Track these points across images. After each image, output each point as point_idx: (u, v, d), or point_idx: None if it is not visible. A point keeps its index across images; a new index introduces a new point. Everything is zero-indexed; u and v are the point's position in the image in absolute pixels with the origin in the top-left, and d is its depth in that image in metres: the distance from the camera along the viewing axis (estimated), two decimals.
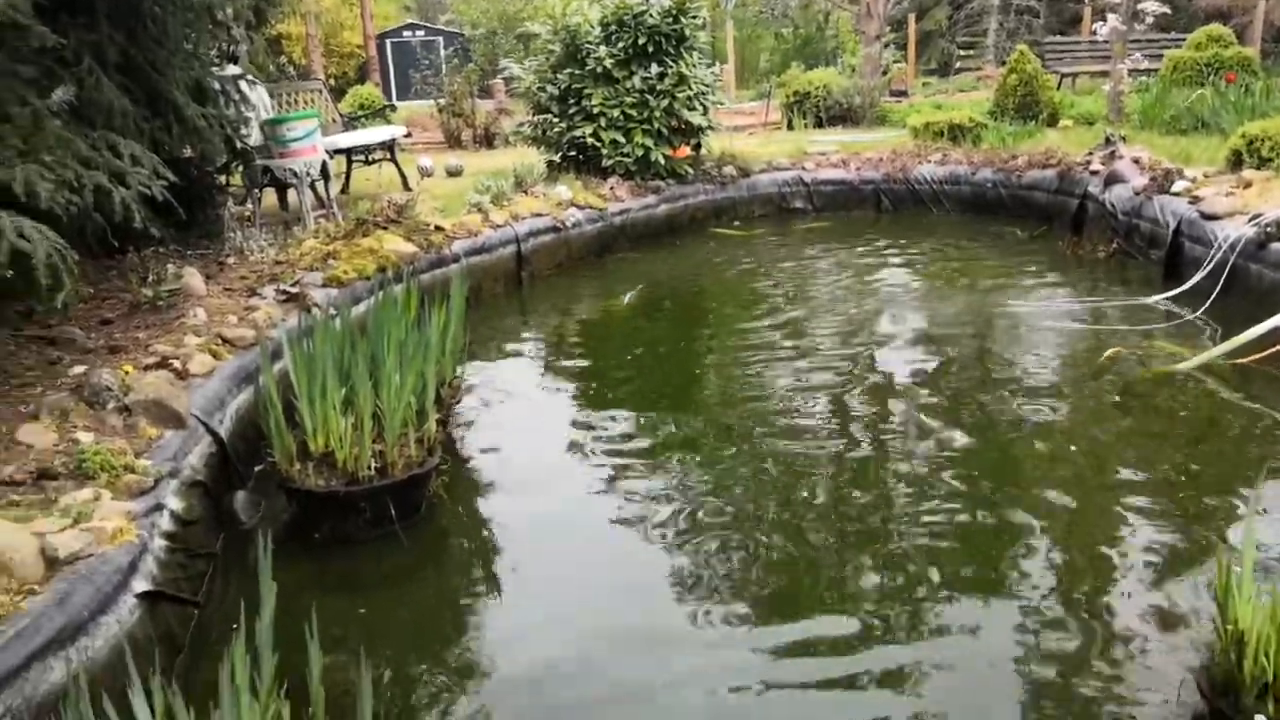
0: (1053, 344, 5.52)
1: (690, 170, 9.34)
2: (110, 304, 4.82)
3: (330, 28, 20.03)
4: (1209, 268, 5.92)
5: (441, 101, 13.62)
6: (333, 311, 4.21)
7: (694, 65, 9.02)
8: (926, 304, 6.46)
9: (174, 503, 3.15)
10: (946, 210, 9.60)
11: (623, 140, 8.79)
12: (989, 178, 9.35)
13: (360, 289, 5.46)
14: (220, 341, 4.30)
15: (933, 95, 16.79)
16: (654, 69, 8.74)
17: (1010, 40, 20.33)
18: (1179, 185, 6.87)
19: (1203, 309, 5.74)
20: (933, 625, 2.94)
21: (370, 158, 9.11)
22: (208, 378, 3.95)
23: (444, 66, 17.45)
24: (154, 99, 5.16)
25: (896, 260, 7.89)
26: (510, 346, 6.09)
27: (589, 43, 8.83)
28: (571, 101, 8.94)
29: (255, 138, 7.01)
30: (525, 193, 8.08)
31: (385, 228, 6.30)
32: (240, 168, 7.18)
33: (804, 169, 10.13)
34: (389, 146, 8.95)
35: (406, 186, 8.84)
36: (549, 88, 9.08)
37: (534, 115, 9.35)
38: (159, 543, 2.93)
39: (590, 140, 8.77)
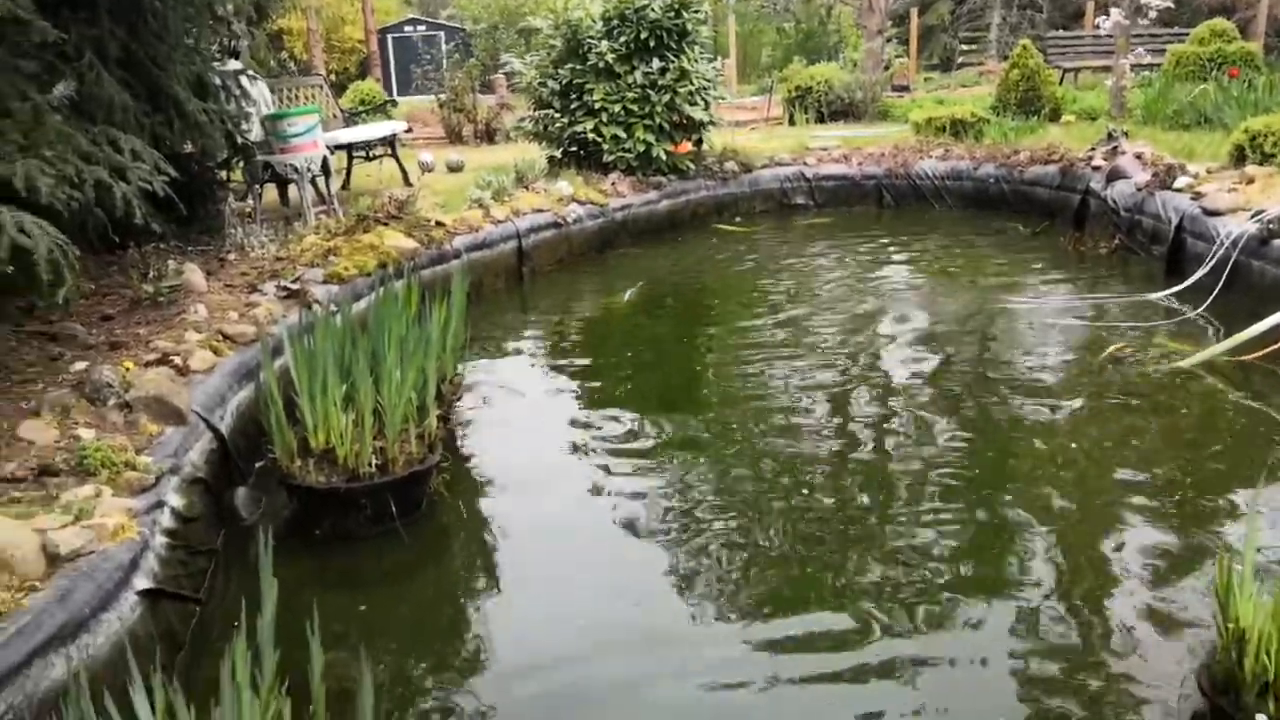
0: (1054, 341, 5.51)
1: (692, 166, 9.33)
2: (111, 300, 4.82)
3: (331, 23, 20.02)
4: (1211, 264, 5.91)
5: (442, 97, 13.61)
6: (334, 308, 4.21)
7: (696, 60, 9.01)
8: (928, 301, 6.45)
9: (175, 499, 3.15)
10: (948, 206, 9.59)
11: (624, 135, 8.77)
12: (991, 173, 9.33)
13: (361, 285, 5.46)
14: (221, 338, 4.30)
15: (935, 90, 16.78)
16: (656, 64, 8.72)
17: (1013, 35, 20.31)
18: (1181, 181, 6.85)
19: (1205, 306, 5.73)
20: (934, 624, 2.93)
21: (371, 153, 9.09)
22: (208, 374, 3.95)
23: (445, 61, 17.43)
24: (155, 94, 5.15)
25: (898, 256, 7.88)
26: (511, 343, 6.09)
27: (590, 37, 8.81)
28: (573, 96, 8.92)
29: (256, 133, 7.00)
30: (526, 188, 8.07)
31: (386, 223, 6.29)
32: (241, 163, 7.18)
33: (806, 164, 10.11)
34: (390, 142, 8.93)
35: (407, 182, 8.83)
36: (550, 83, 9.07)
37: (535, 110, 9.34)
38: (160, 539, 2.93)
39: (591, 135, 8.76)
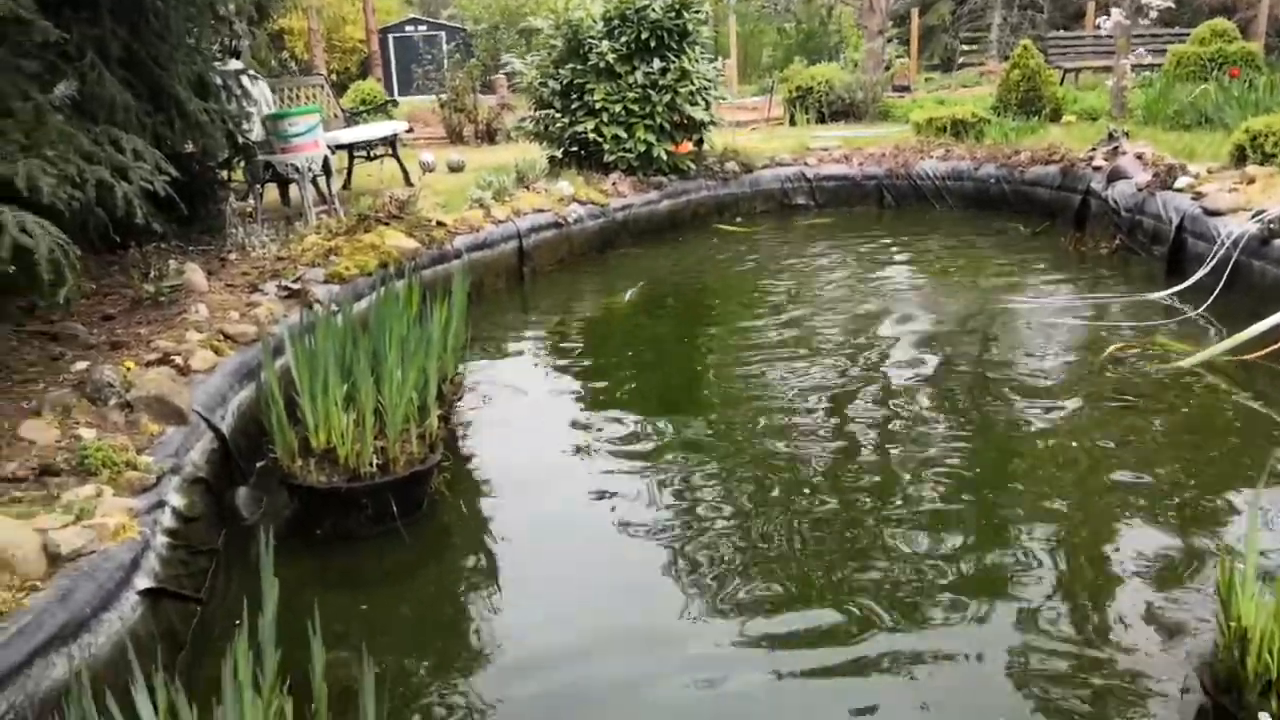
0: (1055, 341, 5.51)
1: (692, 166, 9.33)
2: (112, 300, 4.82)
3: (332, 22, 20.03)
4: (1212, 264, 5.91)
5: (443, 97, 13.61)
6: (334, 307, 4.21)
7: (696, 60, 9.01)
8: (929, 301, 6.45)
9: (176, 499, 3.15)
10: (949, 206, 9.59)
11: (625, 135, 8.78)
12: (992, 173, 9.34)
13: (362, 285, 5.46)
14: (222, 338, 4.30)
15: (935, 91, 16.77)
16: (656, 64, 8.72)
17: (1013, 35, 20.31)
18: (1182, 181, 6.85)
19: (1205, 305, 5.73)
20: (935, 622, 2.93)
21: (372, 153, 9.10)
22: (209, 374, 3.95)
23: (446, 61, 17.43)
24: (156, 94, 5.15)
25: (899, 257, 7.88)
26: (512, 343, 6.09)
27: (591, 37, 8.82)
28: (574, 96, 8.92)
29: (257, 133, 7.00)
30: (527, 188, 8.07)
31: (387, 223, 6.29)
32: (242, 163, 7.18)
33: (806, 165, 10.12)
34: (391, 142, 8.94)
35: (408, 182, 8.83)
36: (551, 83, 9.07)
37: (536, 110, 9.34)
38: (161, 539, 2.93)
39: (592, 135, 8.76)
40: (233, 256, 5.76)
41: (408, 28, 22.28)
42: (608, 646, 2.94)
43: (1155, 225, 6.90)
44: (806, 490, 3.80)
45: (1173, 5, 10.64)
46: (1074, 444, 4.10)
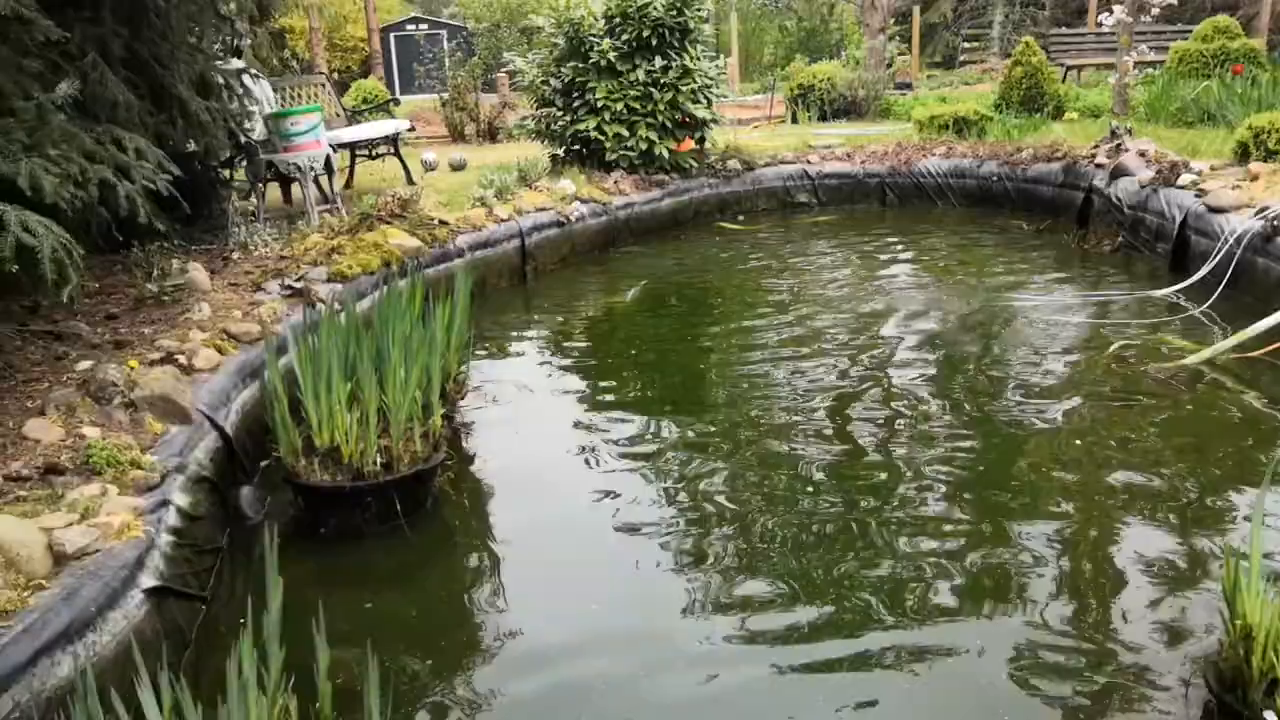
0: (1058, 339, 5.50)
1: (694, 164, 9.33)
2: (115, 299, 4.82)
3: (334, 21, 20.03)
4: (1215, 261, 5.90)
5: (445, 95, 13.61)
6: (338, 306, 4.21)
7: (698, 58, 9.01)
8: (931, 299, 6.45)
9: (180, 498, 3.15)
10: (951, 204, 9.58)
11: (626, 134, 8.77)
12: (994, 171, 9.33)
13: (365, 284, 5.46)
14: (225, 337, 4.30)
15: (937, 88, 16.76)
16: (658, 62, 8.72)
17: (1015, 32, 20.29)
18: (1185, 178, 6.84)
19: (1209, 303, 5.72)
20: (937, 619, 2.93)
21: (374, 152, 9.10)
22: (213, 373, 3.95)
23: (447, 60, 17.42)
24: (158, 93, 5.15)
25: (901, 255, 7.88)
26: (515, 342, 6.09)
27: (593, 36, 8.82)
28: (575, 95, 8.92)
29: (259, 132, 7.01)
30: (529, 187, 8.08)
31: (389, 222, 6.30)
32: (244, 162, 7.18)
33: (808, 162, 10.11)
34: (392, 141, 8.94)
35: (410, 181, 8.83)
36: (552, 81, 9.07)
37: (537, 109, 9.34)
38: (165, 538, 2.93)
39: (594, 134, 8.76)
40: (235, 255, 5.77)
41: (409, 26, 22.27)
42: (610, 644, 2.94)
43: (1158, 222, 6.89)
44: (809, 489, 3.80)
45: (1175, 2, 10.61)
46: (1077, 442, 4.09)
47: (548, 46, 9.23)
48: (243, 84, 6.30)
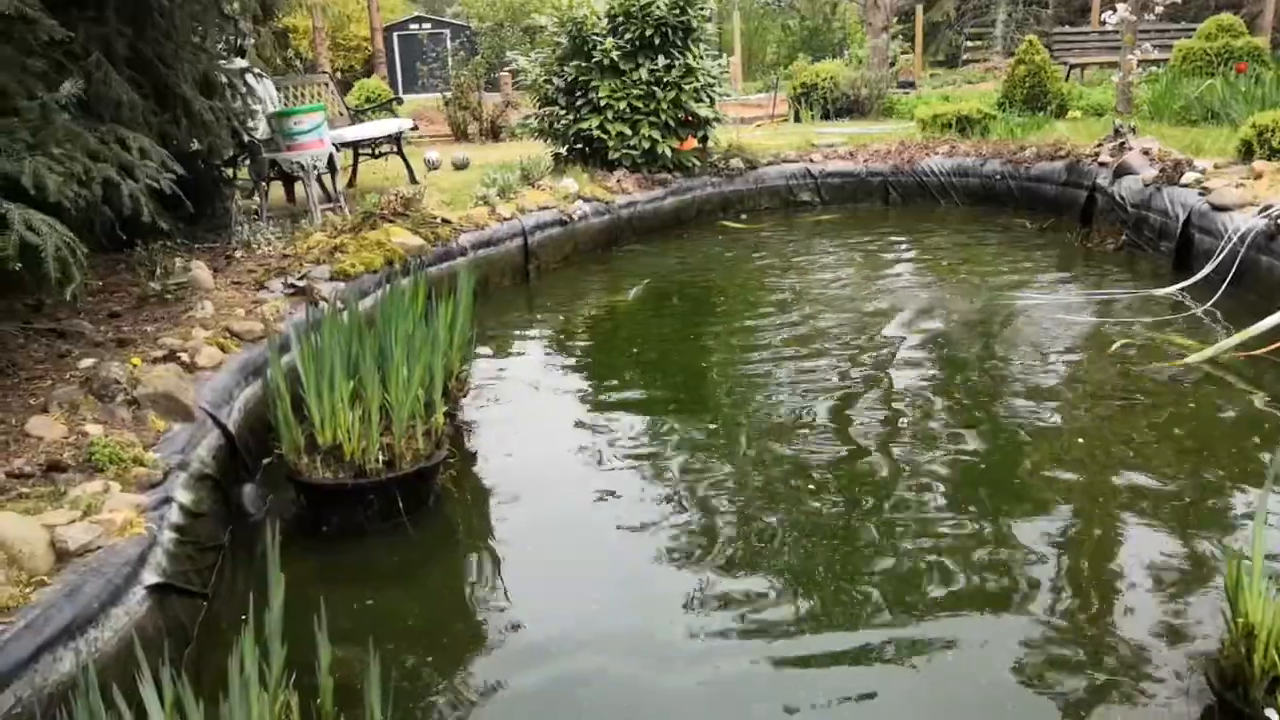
0: (1061, 338, 5.49)
1: (697, 163, 9.33)
2: (118, 297, 4.83)
3: (337, 21, 20.04)
4: (1219, 259, 5.89)
5: (448, 94, 13.62)
6: (340, 305, 4.21)
7: (701, 57, 9.00)
8: (934, 298, 6.44)
9: (183, 495, 3.16)
10: (954, 202, 9.57)
11: (629, 133, 8.78)
12: (997, 169, 9.32)
13: (368, 282, 5.47)
14: (228, 334, 4.31)
15: (940, 87, 16.74)
16: (661, 61, 8.72)
17: (1018, 31, 20.26)
18: (1189, 176, 6.83)
19: (1212, 301, 5.71)
20: (942, 618, 2.93)
21: (377, 151, 9.11)
22: (216, 371, 3.96)
23: (450, 59, 17.43)
24: (162, 92, 5.16)
25: (904, 254, 7.87)
26: (518, 340, 6.09)
27: (595, 35, 8.82)
28: (578, 94, 8.93)
29: (262, 131, 7.02)
30: (532, 186, 8.08)
31: (392, 221, 6.30)
32: (247, 161, 7.19)
33: (811, 161, 10.11)
34: (395, 139, 8.95)
35: (413, 179, 8.84)
36: (555, 80, 9.07)
37: (540, 108, 9.35)
38: (168, 535, 2.94)
39: (597, 133, 8.76)
40: (238, 254, 5.78)
41: (412, 26, 22.27)
42: (610, 641, 2.94)
43: (1162, 221, 6.88)
44: (810, 488, 3.80)
45: (1178, 0, 10.60)
46: (1079, 441, 4.09)
47: (551, 45, 9.23)
48: (246, 83, 6.31)
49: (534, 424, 4.68)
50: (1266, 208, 5.78)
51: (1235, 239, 5.81)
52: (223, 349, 4.15)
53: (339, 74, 18.15)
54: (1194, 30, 12.70)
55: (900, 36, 18.73)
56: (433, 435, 3.75)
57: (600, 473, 4.03)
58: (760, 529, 3.49)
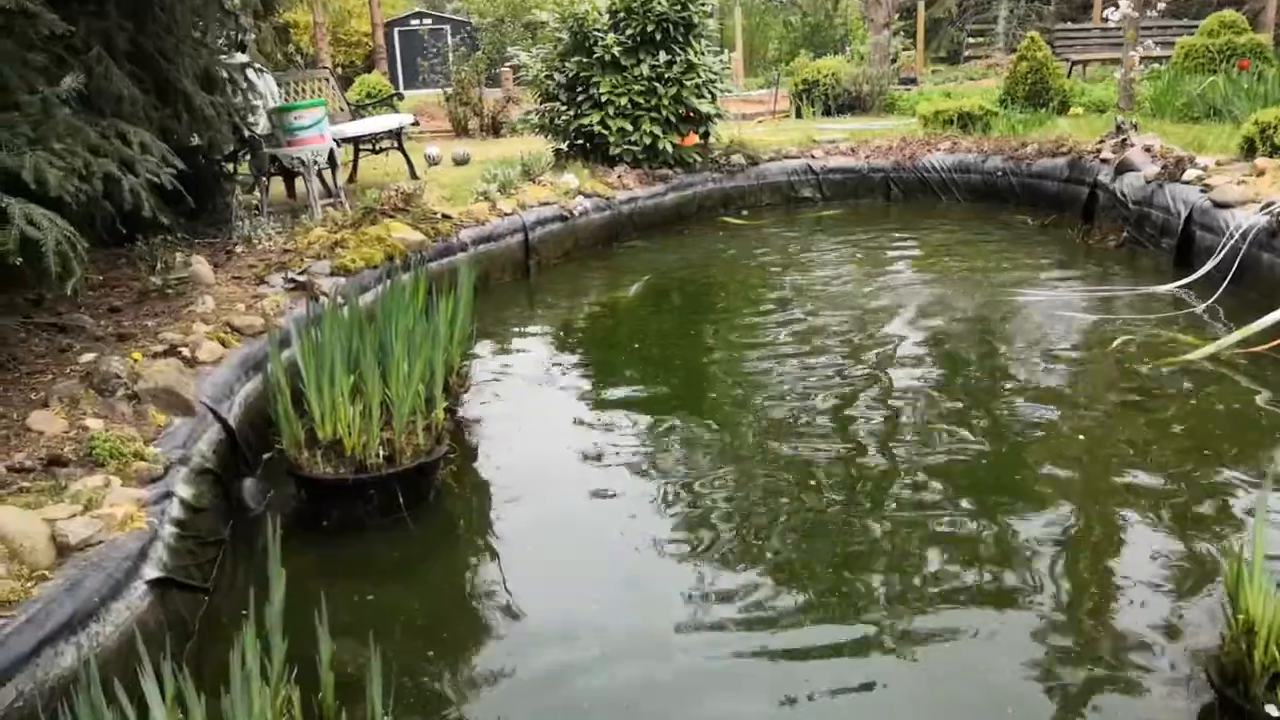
0: (1062, 335, 5.49)
1: (698, 159, 9.32)
2: (119, 292, 4.83)
3: (338, 16, 20.01)
4: (1220, 256, 5.88)
5: (449, 90, 13.59)
6: (341, 300, 4.21)
7: (702, 53, 8.99)
8: (935, 295, 6.44)
9: (183, 490, 3.16)
10: (956, 199, 9.56)
11: (630, 128, 8.77)
12: (999, 166, 9.30)
13: (368, 277, 5.46)
14: (228, 329, 4.31)
15: (942, 83, 16.71)
16: (662, 57, 8.71)
17: (1020, 27, 20.22)
18: (1191, 173, 6.82)
19: (1214, 298, 5.71)
20: (943, 617, 2.93)
21: (377, 146, 9.09)
22: (216, 365, 3.96)
23: (451, 55, 17.41)
24: (162, 87, 5.16)
25: (906, 250, 7.87)
26: (518, 336, 6.09)
27: (597, 30, 8.80)
28: (579, 89, 8.91)
29: (263, 126, 7.01)
30: (533, 181, 8.07)
31: (393, 216, 6.30)
32: (248, 156, 7.18)
33: (813, 157, 10.10)
34: (396, 135, 8.93)
35: (414, 175, 8.83)
36: (556, 76, 9.06)
37: (541, 103, 9.33)
38: (169, 529, 2.94)
39: (598, 128, 8.75)
40: (239, 249, 5.77)
41: (413, 21, 22.23)
42: (611, 636, 2.94)
43: (1163, 218, 6.88)
44: (811, 484, 3.80)
45: None
46: (1080, 438, 4.09)
47: (552, 41, 9.22)
48: (247, 78, 6.30)
49: (534, 420, 4.68)
50: (1268, 205, 5.77)
51: (1237, 236, 5.80)
52: (223, 344, 4.15)
53: (340, 69, 18.13)
54: (1196, 27, 12.66)
55: (902, 33, 18.70)
56: (433, 430, 3.75)
57: (600, 469, 4.03)
58: (761, 527, 3.49)
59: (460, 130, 13.26)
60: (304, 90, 8.65)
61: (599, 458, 4.14)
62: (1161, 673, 2.62)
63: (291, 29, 17.77)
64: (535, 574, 3.31)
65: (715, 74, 9.11)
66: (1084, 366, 4.97)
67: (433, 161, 9.96)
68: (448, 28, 22.06)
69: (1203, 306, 5.70)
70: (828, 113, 13.74)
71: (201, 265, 4.98)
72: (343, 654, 2.60)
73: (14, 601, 2.33)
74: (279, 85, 8.07)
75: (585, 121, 8.79)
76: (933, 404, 4.52)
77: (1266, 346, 4.82)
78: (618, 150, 8.78)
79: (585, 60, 8.84)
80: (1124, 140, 8.01)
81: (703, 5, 8.90)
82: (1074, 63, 14.32)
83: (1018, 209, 8.93)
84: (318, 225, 6.24)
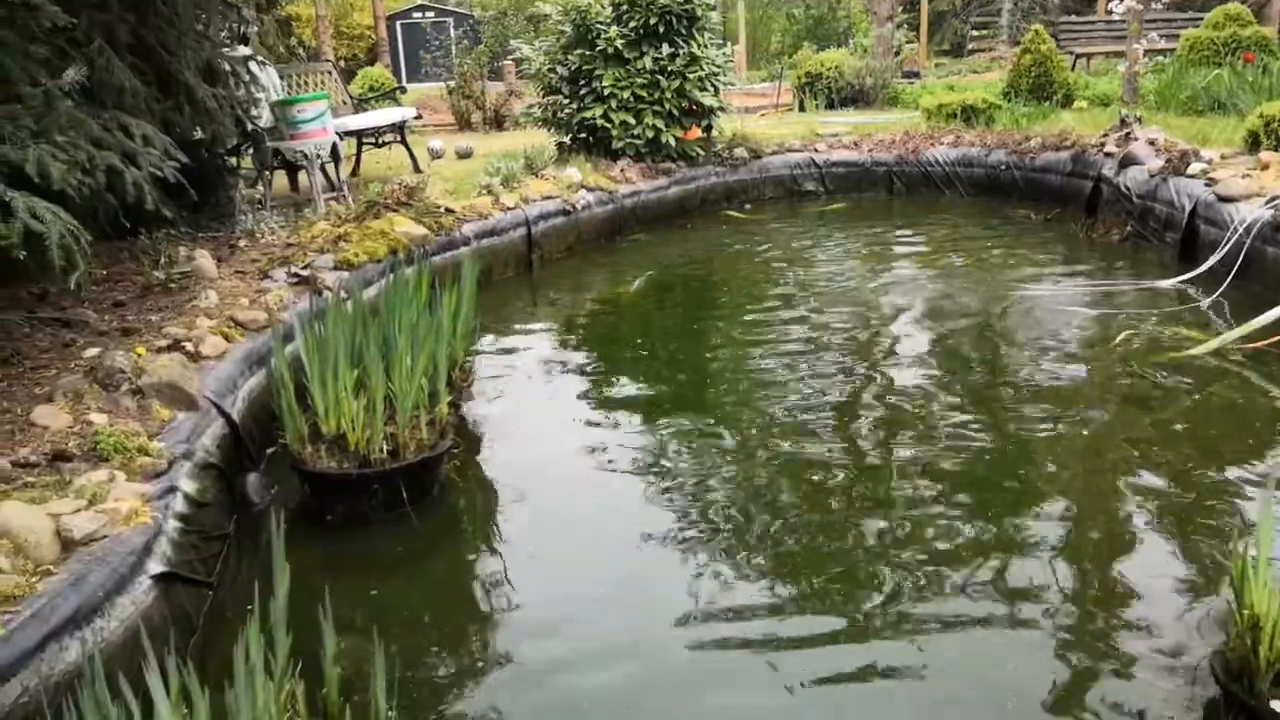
0: (1065, 330, 5.48)
1: (701, 152, 9.30)
2: (123, 286, 4.83)
3: (340, 9, 19.98)
4: (1224, 250, 5.87)
5: (451, 83, 13.57)
6: (344, 294, 4.21)
7: (705, 46, 8.97)
8: (938, 290, 6.43)
9: (187, 484, 3.16)
10: (959, 193, 9.54)
11: (633, 122, 8.75)
12: (1002, 160, 9.28)
13: (371, 271, 5.46)
14: (232, 324, 4.31)
15: (945, 76, 16.67)
16: (665, 49, 8.68)
17: (1024, 20, 20.15)
18: (1195, 167, 6.80)
19: (1218, 292, 5.69)
20: (944, 609, 2.93)
21: (380, 140, 9.09)
22: (220, 360, 3.96)
23: (454, 48, 17.38)
24: (165, 80, 5.15)
25: (909, 244, 7.85)
26: (521, 331, 6.09)
27: (600, 23, 8.78)
28: (582, 83, 8.90)
29: (265, 119, 7.00)
30: (535, 175, 8.06)
31: (396, 210, 6.29)
32: (250, 150, 7.18)
33: (816, 151, 10.07)
34: (399, 128, 8.93)
35: (417, 169, 8.83)
36: (559, 69, 9.04)
37: (544, 97, 9.32)
38: (173, 524, 2.94)
39: (601, 122, 8.73)
40: (242, 243, 5.77)
41: (416, 14, 22.19)
42: (613, 631, 2.95)
43: (1167, 212, 6.85)
44: (813, 481, 3.80)
45: None
46: (1084, 433, 4.08)
47: (555, 34, 9.20)
48: (249, 71, 6.29)
49: (537, 415, 4.68)
50: (1273, 199, 5.76)
51: (1241, 230, 5.78)
52: (227, 338, 4.15)
53: (342, 62, 18.09)
54: (1201, 20, 12.61)
55: (905, 25, 18.63)
56: (437, 425, 3.75)
57: (603, 465, 4.03)
58: (762, 525, 3.49)
59: (463, 124, 13.24)
60: (307, 83, 8.64)
61: (601, 453, 4.14)
62: (1165, 668, 2.62)
63: (294, 22, 17.74)
64: (537, 569, 3.31)
65: (718, 67, 9.09)
66: (1088, 362, 4.96)
67: (435, 155, 9.95)
68: (450, 20, 22.01)
69: (1207, 301, 5.68)
70: (831, 106, 13.71)
71: (205, 259, 4.98)
72: (347, 648, 2.61)
73: (19, 596, 2.34)
74: (281, 78, 8.07)
75: (588, 115, 8.77)
76: (936, 401, 4.52)
77: (1270, 341, 4.81)
78: (620, 144, 8.77)
79: (588, 53, 8.82)
80: (1128, 134, 7.98)
81: None
82: (1078, 56, 14.28)
83: (1021, 203, 8.91)
84: (321, 219, 6.24)
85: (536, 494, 3.85)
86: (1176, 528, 3.32)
